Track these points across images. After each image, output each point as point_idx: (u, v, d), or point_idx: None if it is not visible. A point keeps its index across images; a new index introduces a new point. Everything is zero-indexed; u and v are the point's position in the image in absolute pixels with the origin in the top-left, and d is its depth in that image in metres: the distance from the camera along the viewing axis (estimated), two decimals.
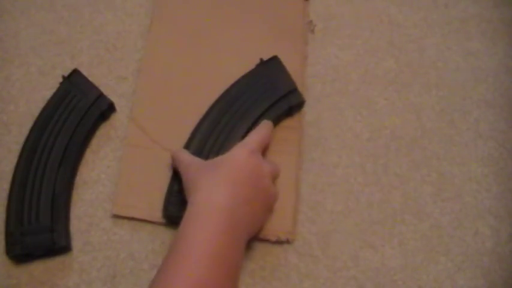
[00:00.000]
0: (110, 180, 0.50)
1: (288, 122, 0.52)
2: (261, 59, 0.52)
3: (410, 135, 0.53)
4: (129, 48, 0.56)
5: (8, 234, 0.45)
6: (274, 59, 0.52)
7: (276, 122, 0.50)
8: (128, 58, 0.56)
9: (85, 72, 0.54)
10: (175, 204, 0.46)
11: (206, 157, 0.47)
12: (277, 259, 0.47)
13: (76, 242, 0.47)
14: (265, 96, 0.50)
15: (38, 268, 0.46)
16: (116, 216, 0.48)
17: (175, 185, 0.47)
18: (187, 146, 0.49)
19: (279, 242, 0.47)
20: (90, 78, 0.54)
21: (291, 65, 0.53)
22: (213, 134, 0.49)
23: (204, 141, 0.49)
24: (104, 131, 0.52)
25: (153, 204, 0.48)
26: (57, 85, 0.52)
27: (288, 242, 0.47)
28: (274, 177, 0.46)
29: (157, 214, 0.48)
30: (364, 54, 0.57)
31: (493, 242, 0.49)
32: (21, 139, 0.51)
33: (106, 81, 0.54)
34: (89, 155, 0.51)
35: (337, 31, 0.58)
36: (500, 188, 0.51)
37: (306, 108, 0.53)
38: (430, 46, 0.58)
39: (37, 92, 0.54)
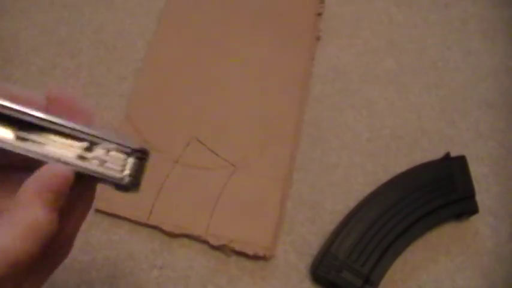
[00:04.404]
0: None
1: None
2: (448, 154, 0.50)
3: (410, 135, 0.53)
4: (129, 48, 0.56)
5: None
6: (462, 159, 0.49)
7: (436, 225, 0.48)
8: (128, 58, 0.56)
9: (85, 72, 0.55)
10: (327, 266, 0.45)
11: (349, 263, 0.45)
12: (277, 259, 0.47)
13: (76, 241, 0.47)
14: (437, 195, 0.47)
15: None
16: (98, 211, 0.48)
17: (333, 247, 0.45)
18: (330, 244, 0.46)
19: (255, 257, 0.47)
20: (90, 78, 0.54)
21: (297, 76, 0.53)
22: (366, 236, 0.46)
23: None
24: None
25: (136, 203, 0.48)
26: (57, 85, 0.52)
27: (265, 258, 0.46)
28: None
29: (138, 213, 0.48)
30: (364, 54, 0.57)
31: (493, 242, 0.49)
32: None
33: (106, 81, 0.54)
34: None
35: (337, 31, 0.58)
36: (500, 188, 0.51)
37: (306, 108, 0.54)
38: (430, 46, 0.58)
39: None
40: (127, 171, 0.25)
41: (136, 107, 0.52)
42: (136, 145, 0.25)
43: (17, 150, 0.24)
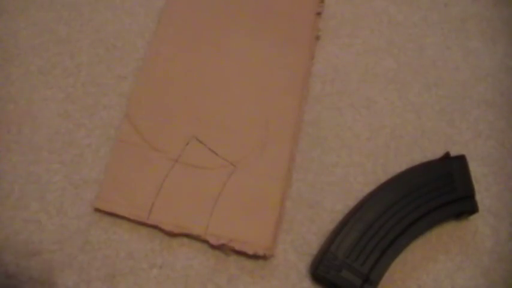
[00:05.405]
0: None
1: None
2: (447, 153, 0.50)
3: (410, 135, 0.53)
4: (128, 47, 0.56)
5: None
6: (462, 158, 0.49)
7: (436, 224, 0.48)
8: (128, 57, 0.56)
9: (84, 72, 0.55)
10: (327, 266, 0.45)
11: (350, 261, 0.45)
12: (277, 258, 0.47)
13: (76, 241, 0.47)
14: (437, 194, 0.47)
15: (37, 268, 0.46)
16: (98, 210, 0.48)
17: (333, 246, 0.45)
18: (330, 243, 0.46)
19: (255, 256, 0.46)
20: (89, 78, 0.54)
21: (296, 75, 0.53)
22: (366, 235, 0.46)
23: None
24: (103, 131, 0.52)
25: (135, 202, 0.48)
26: (57, 84, 0.52)
27: (264, 257, 0.46)
28: None
29: (137, 212, 0.47)
30: (364, 53, 0.57)
31: (492, 241, 0.49)
32: (21, 138, 0.51)
33: (106, 80, 0.54)
34: (89, 155, 0.51)
35: (336, 30, 0.58)
36: (499, 188, 0.51)
37: (305, 108, 0.54)
38: (430, 45, 0.58)
39: (37, 91, 0.54)
40: None
41: (136, 106, 0.52)
42: None
43: None
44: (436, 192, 0.47)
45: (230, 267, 0.47)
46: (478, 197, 0.48)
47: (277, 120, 0.52)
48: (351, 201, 0.49)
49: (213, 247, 0.47)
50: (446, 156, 0.50)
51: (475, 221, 0.49)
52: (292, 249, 0.48)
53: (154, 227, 0.47)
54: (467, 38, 0.59)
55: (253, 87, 0.53)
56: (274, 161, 0.50)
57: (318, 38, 0.57)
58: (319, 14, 0.57)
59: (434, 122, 0.54)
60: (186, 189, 0.48)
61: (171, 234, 0.47)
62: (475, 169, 0.51)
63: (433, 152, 0.52)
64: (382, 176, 0.50)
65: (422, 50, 0.58)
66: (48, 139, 0.52)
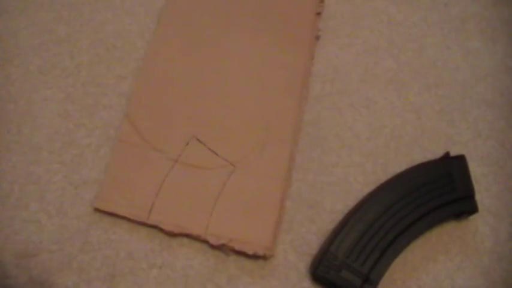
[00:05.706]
0: None
1: None
2: (447, 153, 0.50)
3: (409, 135, 0.53)
4: (128, 47, 0.56)
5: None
6: (461, 158, 0.49)
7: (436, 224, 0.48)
8: (128, 57, 0.56)
9: (84, 72, 0.55)
10: (326, 266, 0.45)
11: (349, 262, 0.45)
12: (276, 258, 0.47)
13: (75, 241, 0.47)
14: (436, 194, 0.47)
15: (37, 268, 0.46)
16: (98, 210, 0.48)
17: (333, 246, 0.45)
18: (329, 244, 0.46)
19: (255, 256, 0.46)
20: (89, 78, 0.54)
21: (296, 75, 0.53)
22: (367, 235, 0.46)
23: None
24: (103, 131, 0.52)
25: (135, 202, 0.48)
26: (56, 84, 0.52)
27: (264, 257, 0.46)
28: None
29: (137, 212, 0.47)
30: (364, 53, 0.57)
31: (492, 241, 0.49)
32: (21, 138, 0.51)
33: (105, 80, 0.55)
34: (89, 155, 0.51)
35: (336, 30, 0.58)
36: (499, 188, 0.51)
37: (305, 108, 0.54)
38: (430, 45, 0.58)
39: (37, 91, 0.54)
40: None
41: (136, 106, 0.52)
42: None
43: None
44: (436, 192, 0.47)
45: (230, 267, 0.47)
46: (478, 197, 0.48)
47: (277, 121, 0.52)
48: (351, 201, 0.49)
49: (213, 247, 0.47)
50: (446, 156, 0.50)
51: (475, 221, 0.49)
52: (292, 249, 0.48)
53: (154, 227, 0.47)
54: (467, 38, 0.59)
55: (253, 87, 0.53)
56: (274, 161, 0.50)
57: (318, 38, 0.57)
58: (319, 14, 0.57)
59: (434, 122, 0.54)
60: (186, 189, 0.48)
61: (171, 234, 0.47)
62: (475, 169, 0.51)
63: (433, 152, 0.52)
64: (382, 176, 0.50)
65: (422, 50, 0.58)
66: (48, 139, 0.52)
